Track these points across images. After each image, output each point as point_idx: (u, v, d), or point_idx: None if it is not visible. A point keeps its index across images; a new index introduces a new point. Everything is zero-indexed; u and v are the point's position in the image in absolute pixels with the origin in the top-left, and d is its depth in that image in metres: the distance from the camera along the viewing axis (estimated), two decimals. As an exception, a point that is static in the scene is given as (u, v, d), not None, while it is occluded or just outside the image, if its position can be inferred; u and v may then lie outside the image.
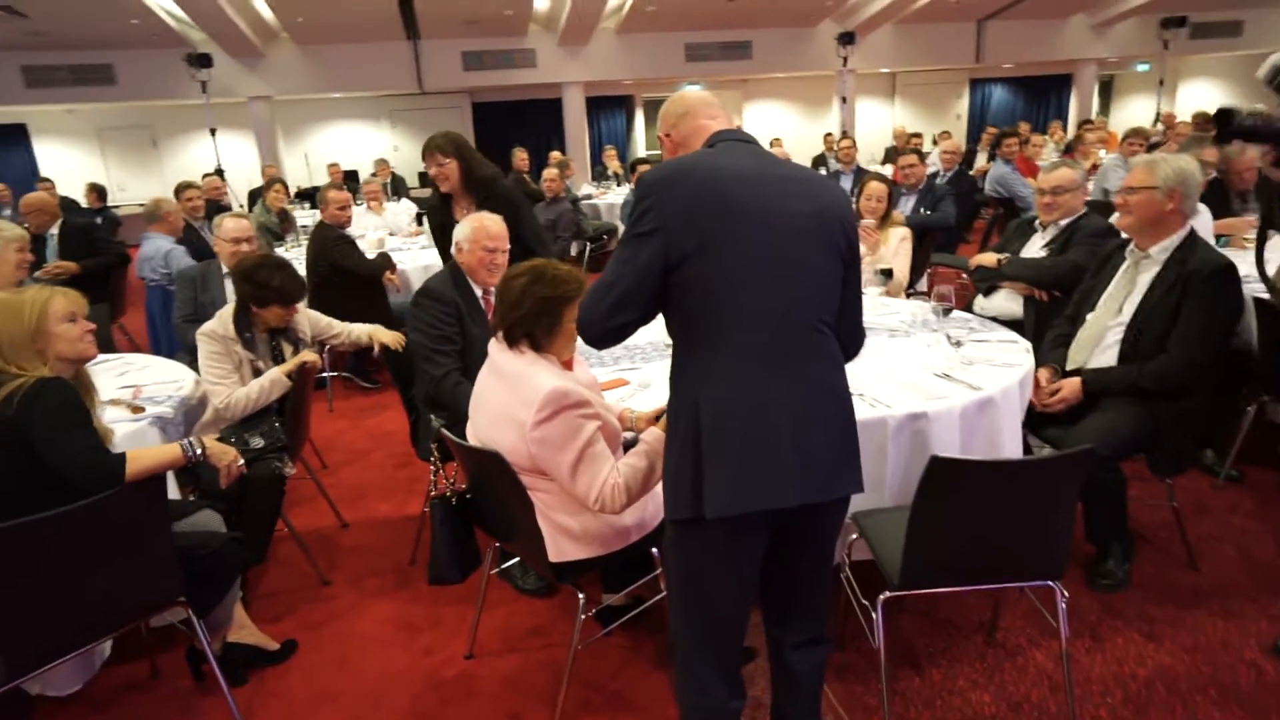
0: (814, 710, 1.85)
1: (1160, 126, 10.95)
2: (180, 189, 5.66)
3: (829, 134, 13.02)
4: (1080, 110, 15.47)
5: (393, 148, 14.98)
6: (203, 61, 11.19)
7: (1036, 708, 2.18)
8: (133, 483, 1.92)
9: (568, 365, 2.12)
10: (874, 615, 2.06)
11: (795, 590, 1.75)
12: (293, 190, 11.75)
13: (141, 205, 5.33)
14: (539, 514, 2.08)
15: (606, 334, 1.56)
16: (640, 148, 16.17)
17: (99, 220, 8.87)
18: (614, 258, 1.55)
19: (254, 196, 9.30)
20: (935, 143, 10.95)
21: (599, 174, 11.43)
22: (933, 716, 2.16)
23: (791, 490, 1.49)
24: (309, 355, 3.00)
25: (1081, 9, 14.20)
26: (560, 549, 2.11)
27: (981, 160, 10.09)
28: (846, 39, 12.90)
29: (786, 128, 15.75)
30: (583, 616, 2.15)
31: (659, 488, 2.24)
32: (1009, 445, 2.49)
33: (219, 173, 10.45)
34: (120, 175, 14.04)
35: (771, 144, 10.31)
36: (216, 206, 6.67)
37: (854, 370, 2.68)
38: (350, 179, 11.45)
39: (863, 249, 4.01)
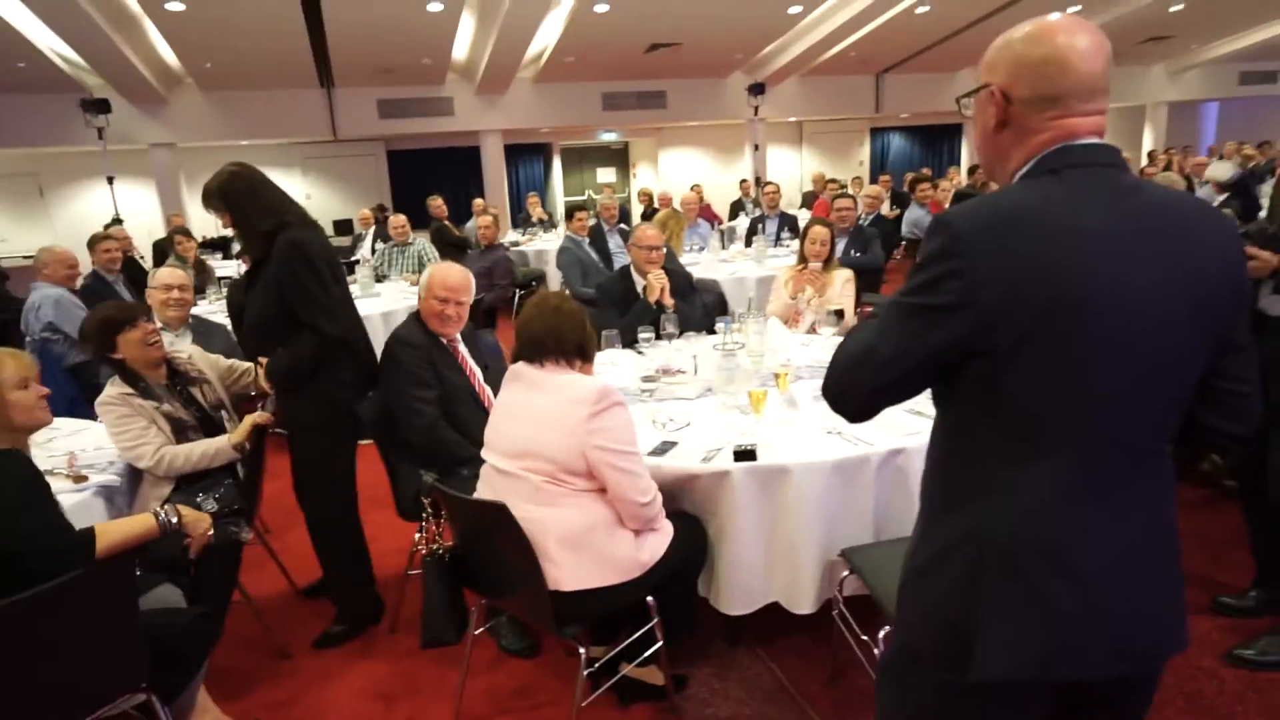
0: None
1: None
2: (95, 240, 5.32)
3: (744, 180, 13.43)
4: (971, 156, 16.55)
5: (305, 196, 14.57)
6: (100, 107, 10.67)
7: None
8: (100, 561, 1.77)
9: None
10: (875, 651, 2.08)
11: None
12: (199, 239, 11.27)
13: (27, 258, 5.01)
14: (558, 542, 2.03)
15: (862, 411, 1.24)
16: (559, 195, 16.26)
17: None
18: (886, 324, 1.16)
19: (159, 248, 8.82)
20: (845, 188, 11.43)
21: (522, 220, 11.42)
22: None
23: (1104, 654, 1.14)
24: (259, 417, 2.81)
25: (967, 64, 15.27)
26: (577, 576, 2.05)
27: (884, 207, 10.54)
28: (757, 89, 13.45)
29: (701, 173, 16.18)
30: (585, 672, 2.09)
31: (665, 523, 2.23)
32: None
33: (117, 222, 9.93)
34: (2, 226, 13.13)
35: (692, 189, 10.55)
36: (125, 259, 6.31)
37: (830, 410, 2.76)
38: (262, 228, 11.03)
39: (810, 291, 4.15)
